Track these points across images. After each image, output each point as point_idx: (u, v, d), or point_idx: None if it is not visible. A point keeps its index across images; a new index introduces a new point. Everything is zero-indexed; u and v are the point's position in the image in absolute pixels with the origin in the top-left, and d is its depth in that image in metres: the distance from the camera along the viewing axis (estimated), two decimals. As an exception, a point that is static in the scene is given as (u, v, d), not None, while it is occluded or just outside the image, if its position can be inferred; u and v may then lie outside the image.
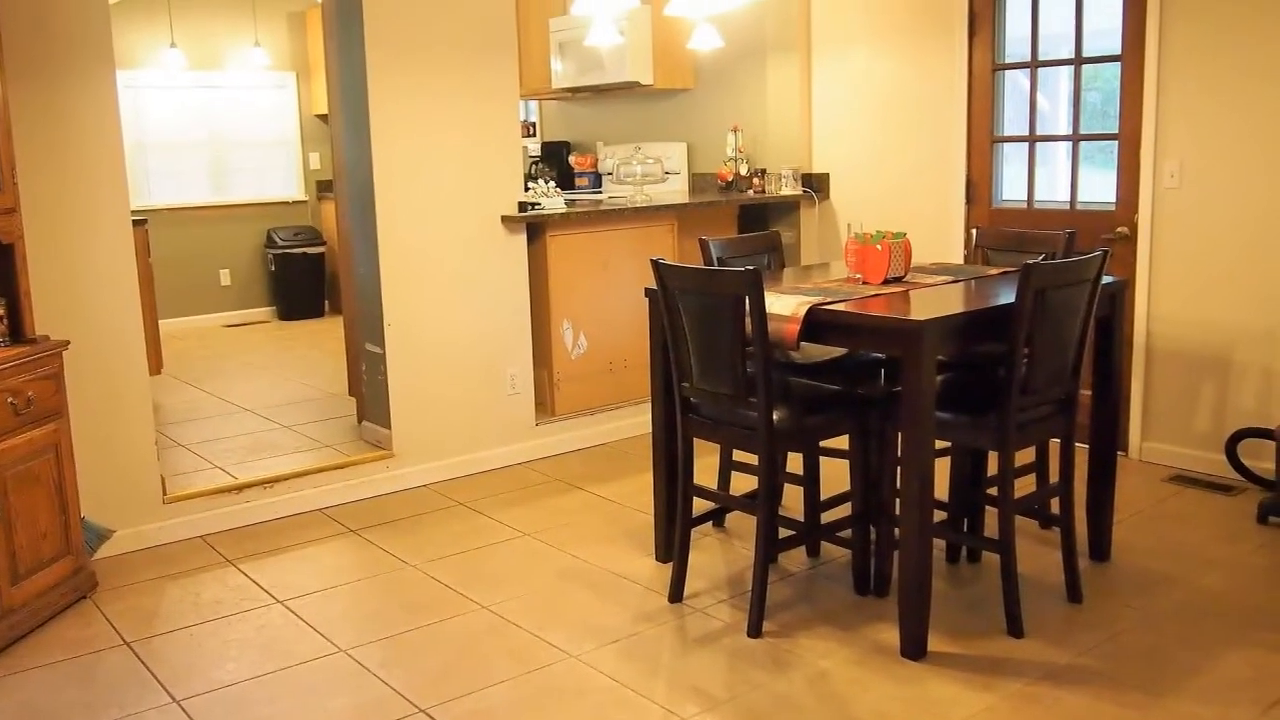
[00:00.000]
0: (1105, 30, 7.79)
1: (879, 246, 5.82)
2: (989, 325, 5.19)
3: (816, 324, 5.17)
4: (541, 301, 8.21)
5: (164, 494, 6.66)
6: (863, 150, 9.44)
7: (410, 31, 7.33)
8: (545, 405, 8.33)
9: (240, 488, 6.96)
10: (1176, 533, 6.40)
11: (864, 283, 5.84)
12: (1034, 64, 8.15)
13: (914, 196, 8.92)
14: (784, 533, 5.69)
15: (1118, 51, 7.63)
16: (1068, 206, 8.07)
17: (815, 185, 9.77)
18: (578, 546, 6.40)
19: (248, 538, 6.70)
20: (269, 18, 14.61)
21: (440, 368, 7.64)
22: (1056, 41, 8.13)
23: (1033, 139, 8.23)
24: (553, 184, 8.58)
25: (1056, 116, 8.42)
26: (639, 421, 8.42)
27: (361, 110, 7.32)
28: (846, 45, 9.40)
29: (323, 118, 14.49)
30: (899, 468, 5.20)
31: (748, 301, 5.01)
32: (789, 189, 9.80)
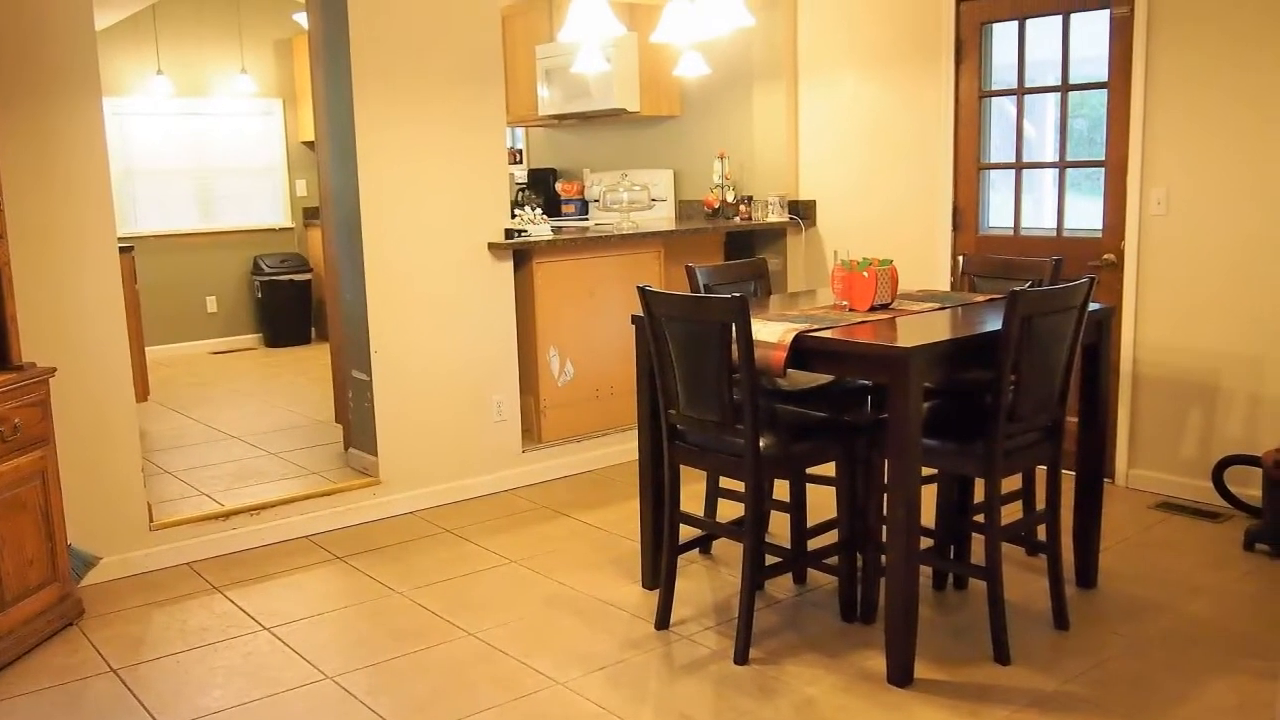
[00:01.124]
0: (1092, 57, 7.82)
1: (865, 273, 5.82)
2: (975, 352, 5.20)
3: (803, 351, 5.17)
4: (528, 328, 8.21)
5: (150, 521, 6.65)
6: (849, 177, 9.49)
7: (396, 59, 7.33)
8: (532, 432, 8.33)
9: (227, 515, 6.95)
10: (1163, 560, 6.40)
11: (850, 309, 5.85)
12: (1020, 91, 8.17)
13: (901, 223, 8.94)
14: (770, 560, 5.69)
15: (1104, 79, 7.65)
16: (1054, 233, 8.09)
17: (802, 212, 9.82)
18: (564, 573, 6.39)
19: (234, 565, 6.69)
20: (255, 45, 14.61)
21: (427, 395, 7.64)
22: (1043, 68, 8.14)
23: (1019, 166, 8.24)
24: (539, 211, 8.59)
25: (1043, 143, 8.44)
26: (626, 448, 8.42)
27: (348, 137, 7.32)
28: (833, 72, 9.42)
29: (309, 145, 14.49)
30: (885, 494, 5.20)
31: (734, 328, 5.01)
32: (775, 216, 9.88)
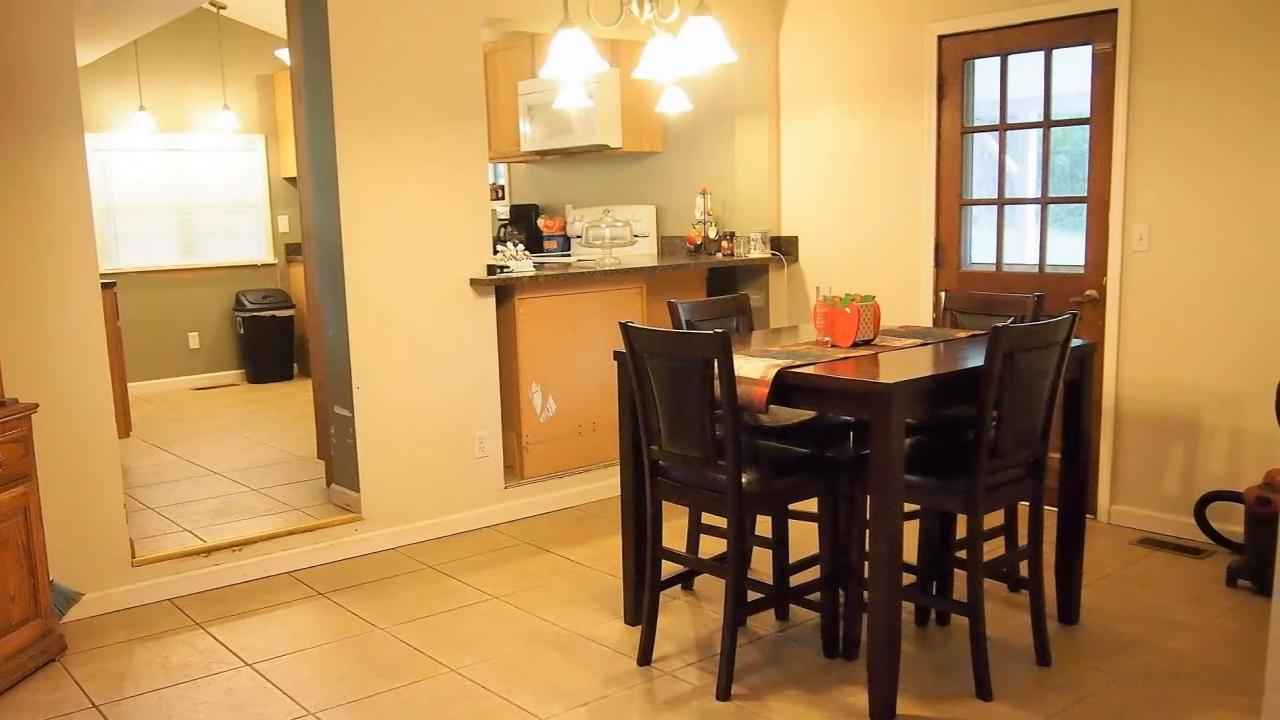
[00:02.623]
0: (1074, 93, 7.84)
1: (848, 309, 5.82)
2: (958, 388, 5.21)
3: (785, 387, 5.18)
4: (510, 364, 8.21)
5: (133, 557, 6.63)
6: (832, 213, 9.53)
7: (379, 95, 7.34)
8: (514, 468, 8.32)
9: (209, 551, 6.94)
10: (1145, 596, 6.40)
11: (833, 345, 5.85)
12: (1003, 127, 8.19)
13: (883, 259, 8.94)
14: (753, 595, 5.70)
15: (1086, 114, 7.67)
16: (1037, 269, 8.11)
17: (784, 248, 9.86)
18: (547, 609, 6.38)
19: (216, 601, 6.67)
20: (238, 81, 14.59)
21: (409, 431, 7.63)
22: (1025, 104, 8.16)
23: (1001, 202, 8.26)
24: (521, 247, 8.60)
25: (1025, 179, 8.46)
26: (608, 484, 8.43)
27: (330, 174, 7.32)
28: (815, 108, 9.44)
29: (291, 180, 14.51)
30: (868, 530, 5.20)
31: (716, 364, 5.01)
32: (758, 252, 9.95)
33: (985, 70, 8.33)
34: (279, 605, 6.60)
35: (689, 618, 6.26)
